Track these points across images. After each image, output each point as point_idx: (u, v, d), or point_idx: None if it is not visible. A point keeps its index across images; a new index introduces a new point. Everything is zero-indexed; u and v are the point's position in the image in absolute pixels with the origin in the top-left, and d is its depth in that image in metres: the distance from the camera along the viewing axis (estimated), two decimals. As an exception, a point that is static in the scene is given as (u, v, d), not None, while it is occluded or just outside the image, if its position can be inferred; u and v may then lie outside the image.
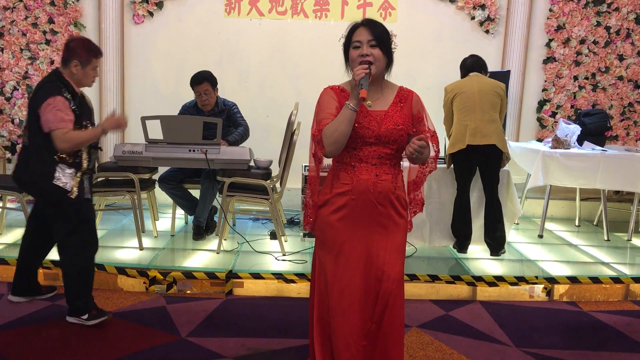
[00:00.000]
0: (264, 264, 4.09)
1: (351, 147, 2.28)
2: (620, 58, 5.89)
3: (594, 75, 5.92)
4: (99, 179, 4.37)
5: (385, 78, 2.39)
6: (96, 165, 4.47)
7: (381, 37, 2.26)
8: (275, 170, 4.55)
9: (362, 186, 2.28)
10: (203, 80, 4.61)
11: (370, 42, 2.25)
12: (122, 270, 3.84)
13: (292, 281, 3.83)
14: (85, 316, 3.23)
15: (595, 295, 3.98)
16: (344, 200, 2.30)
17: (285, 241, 4.60)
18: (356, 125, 2.23)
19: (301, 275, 3.84)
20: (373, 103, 2.26)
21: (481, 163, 4.34)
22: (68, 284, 3.27)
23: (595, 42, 5.86)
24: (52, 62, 5.70)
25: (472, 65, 4.50)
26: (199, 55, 5.78)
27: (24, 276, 3.51)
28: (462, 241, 4.47)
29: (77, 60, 3.19)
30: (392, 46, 2.32)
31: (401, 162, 2.40)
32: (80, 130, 3.20)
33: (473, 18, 5.83)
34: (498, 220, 4.39)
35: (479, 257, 4.41)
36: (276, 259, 4.20)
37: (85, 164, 3.25)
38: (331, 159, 2.38)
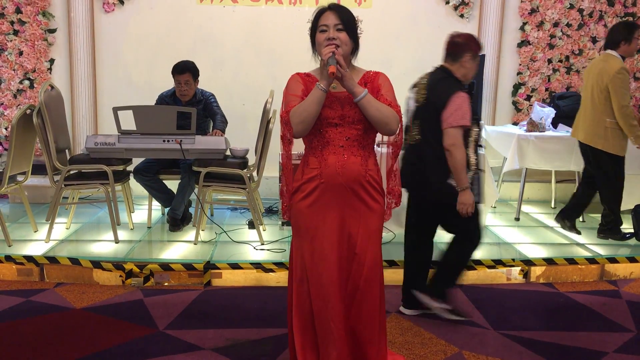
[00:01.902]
0: (243, 253, 4.06)
1: (317, 130, 2.28)
2: (594, 40, 5.94)
3: (567, 58, 5.96)
4: (71, 172, 4.28)
5: (352, 63, 2.38)
6: (67, 157, 4.40)
7: (348, 22, 2.27)
8: (252, 159, 4.51)
9: (330, 169, 2.28)
10: (185, 70, 4.54)
11: (337, 25, 2.26)
12: (97, 264, 3.78)
13: (271, 270, 3.81)
14: (446, 306, 3.29)
15: (571, 276, 4.03)
16: (314, 185, 2.31)
17: (264, 230, 4.58)
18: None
19: (280, 264, 3.82)
20: (338, 85, 2.27)
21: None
22: (445, 270, 3.33)
23: (568, 25, 5.89)
24: (20, 53, 5.55)
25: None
26: (172, 43, 5.69)
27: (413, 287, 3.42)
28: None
29: (470, 53, 3.14)
30: (358, 31, 2.33)
31: (374, 146, 2.38)
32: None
33: (447, 2, 5.81)
34: None
35: (457, 242, 4.43)
36: (255, 248, 4.18)
37: (473, 161, 3.11)
38: (304, 146, 2.38)
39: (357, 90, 2.21)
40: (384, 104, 2.25)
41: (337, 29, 2.25)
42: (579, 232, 4.66)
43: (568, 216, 4.74)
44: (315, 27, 2.32)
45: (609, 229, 4.58)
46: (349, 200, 2.31)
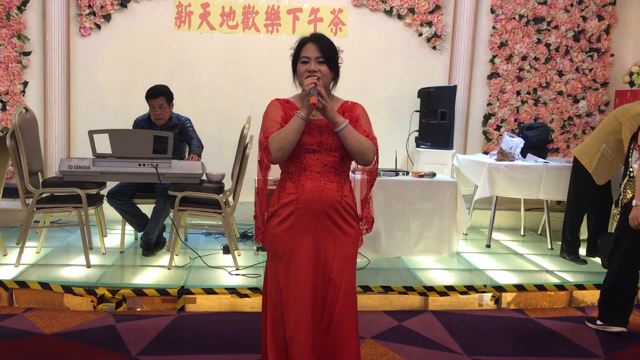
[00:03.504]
0: (217, 278, 4.04)
1: (295, 156, 2.32)
2: (560, 74, 6.17)
3: (535, 90, 6.16)
4: (43, 195, 4.23)
5: (332, 92, 2.45)
6: (40, 180, 4.35)
7: (329, 54, 2.33)
8: (228, 184, 4.52)
9: (306, 194, 2.31)
10: (159, 95, 4.56)
11: (318, 58, 2.31)
12: (68, 288, 3.72)
13: (246, 295, 3.80)
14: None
15: (541, 303, 4.11)
16: (290, 210, 2.34)
17: (239, 255, 4.57)
18: None
19: (255, 289, 3.82)
20: (317, 113, 2.32)
21: None
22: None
23: (536, 59, 6.11)
24: (-7, 75, 5.51)
25: None
26: (149, 69, 5.71)
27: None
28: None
29: None
30: (339, 61, 2.39)
31: (349, 173, 2.43)
32: None
33: (421, 34, 5.98)
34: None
35: (430, 268, 4.50)
36: (229, 273, 4.16)
37: None
38: (279, 171, 2.42)
39: (339, 120, 2.27)
40: (363, 135, 2.31)
41: (319, 61, 2.31)
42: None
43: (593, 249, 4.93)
44: (297, 57, 2.37)
45: (566, 248, 4.87)
46: (324, 225, 2.34)
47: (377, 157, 2.42)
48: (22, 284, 3.75)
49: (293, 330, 2.30)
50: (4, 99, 5.56)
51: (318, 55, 2.31)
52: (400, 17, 5.94)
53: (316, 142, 2.31)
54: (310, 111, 2.25)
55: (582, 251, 4.96)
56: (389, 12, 5.92)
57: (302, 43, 2.36)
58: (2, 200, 4.47)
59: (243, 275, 4.13)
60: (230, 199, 4.47)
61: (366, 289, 3.91)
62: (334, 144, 2.31)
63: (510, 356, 3.30)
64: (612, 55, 6.20)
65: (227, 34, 5.81)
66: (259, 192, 2.46)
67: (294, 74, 2.40)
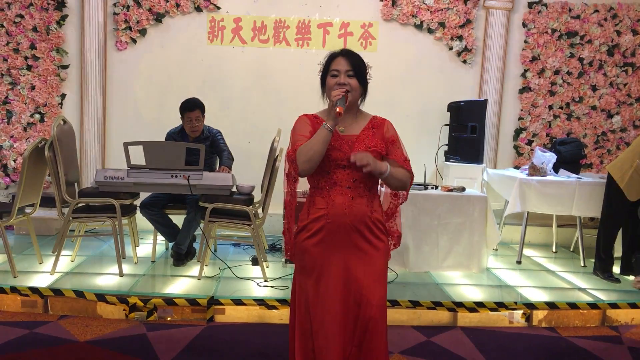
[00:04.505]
0: (246, 290, 4.08)
1: (325, 171, 2.34)
2: (594, 88, 6.08)
3: (568, 104, 6.09)
4: (79, 205, 4.34)
5: (360, 107, 2.47)
6: (76, 190, 4.46)
7: (358, 68, 2.37)
8: (257, 196, 4.57)
9: (337, 209, 2.33)
10: (195, 108, 4.67)
11: (348, 72, 2.35)
12: (101, 297, 3.80)
13: (274, 307, 3.82)
14: None
15: (573, 321, 4.04)
16: (320, 225, 2.35)
17: (267, 267, 4.60)
18: (328, 147, 2.30)
19: (283, 301, 3.84)
20: (346, 129, 2.36)
21: None
22: None
23: (569, 73, 6.04)
24: (33, 88, 5.68)
25: None
26: (182, 82, 5.83)
27: None
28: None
29: None
30: (368, 77, 2.42)
31: (378, 187, 2.45)
32: None
33: (451, 48, 5.98)
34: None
35: (459, 283, 4.46)
36: (258, 284, 4.20)
37: None
38: (308, 184, 2.45)
39: (381, 169, 2.29)
40: (400, 170, 2.35)
41: (348, 74, 2.35)
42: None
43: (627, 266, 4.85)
44: (326, 71, 2.41)
45: (599, 266, 4.78)
46: (354, 240, 2.36)
47: (412, 177, 2.44)
48: (57, 292, 3.84)
49: (323, 344, 2.31)
50: (42, 111, 5.74)
51: (348, 68, 2.35)
52: (430, 31, 5.95)
53: (346, 158, 2.32)
54: (337, 122, 2.27)
55: (617, 269, 4.86)
56: (419, 26, 5.93)
57: (332, 57, 2.41)
58: (39, 209, 4.59)
59: (271, 287, 4.16)
60: (260, 210, 4.52)
61: (394, 304, 3.90)
62: None
63: (541, 375, 3.24)
64: (647, 69, 6.10)
65: (258, 48, 5.90)
66: (287, 205, 2.50)
67: (323, 88, 2.44)
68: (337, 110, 2.24)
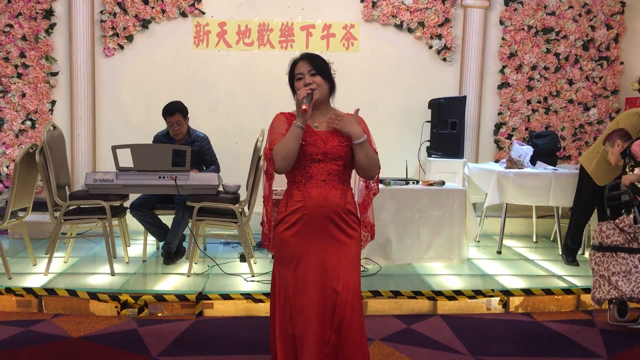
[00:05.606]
0: (234, 285, 4.23)
1: (301, 166, 2.49)
2: (570, 82, 6.26)
3: (546, 99, 6.26)
4: (70, 207, 4.48)
5: (330, 104, 2.62)
6: (67, 193, 4.60)
7: (320, 66, 2.53)
8: (243, 194, 4.72)
9: (313, 202, 2.48)
10: (175, 112, 4.78)
11: (311, 71, 2.51)
12: (93, 295, 3.94)
13: (261, 301, 3.97)
14: None
15: (549, 306, 4.20)
16: (298, 216, 2.50)
17: (255, 263, 4.75)
18: (304, 143, 2.45)
19: (269, 295, 3.95)
20: (319, 125, 2.51)
21: None
22: None
23: (546, 68, 6.21)
24: (23, 95, 5.82)
25: None
26: (169, 86, 5.97)
27: None
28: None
29: None
30: (332, 72, 2.58)
31: (351, 181, 2.60)
32: None
33: (431, 47, 6.14)
34: None
35: (440, 273, 4.62)
36: (245, 280, 4.35)
37: None
38: (286, 180, 2.59)
39: (358, 132, 2.43)
40: (372, 150, 2.49)
41: (312, 74, 2.51)
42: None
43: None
44: (292, 76, 2.58)
45: (565, 249, 5.07)
46: (330, 230, 2.51)
47: (379, 173, 2.60)
48: (50, 292, 3.98)
49: (303, 329, 2.45)
50: (33, 118, 5.87)
51: (310, 68, 2.51)
52: (410, 30, 6.11)
53: (321, 152, 2.47)
54: (305, 119, 2.41)
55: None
56: (399, 26, 6.09)
57: (295, 63, 2.58)
58: (32, 213, 4.73)
59: (258, 281, 4.31)
60: (246, 208, 4.67)
61: (376, 294, 4.05)
62: (337, 153, 2.48)
63: (515, 357, 3.40)
64: (621, 63, 6.27)
65: (243, 51, 6.04)
66: (266, 200, 2.64)
67: (294, 93, 2.59)
68: (303, 107, 2.38)
